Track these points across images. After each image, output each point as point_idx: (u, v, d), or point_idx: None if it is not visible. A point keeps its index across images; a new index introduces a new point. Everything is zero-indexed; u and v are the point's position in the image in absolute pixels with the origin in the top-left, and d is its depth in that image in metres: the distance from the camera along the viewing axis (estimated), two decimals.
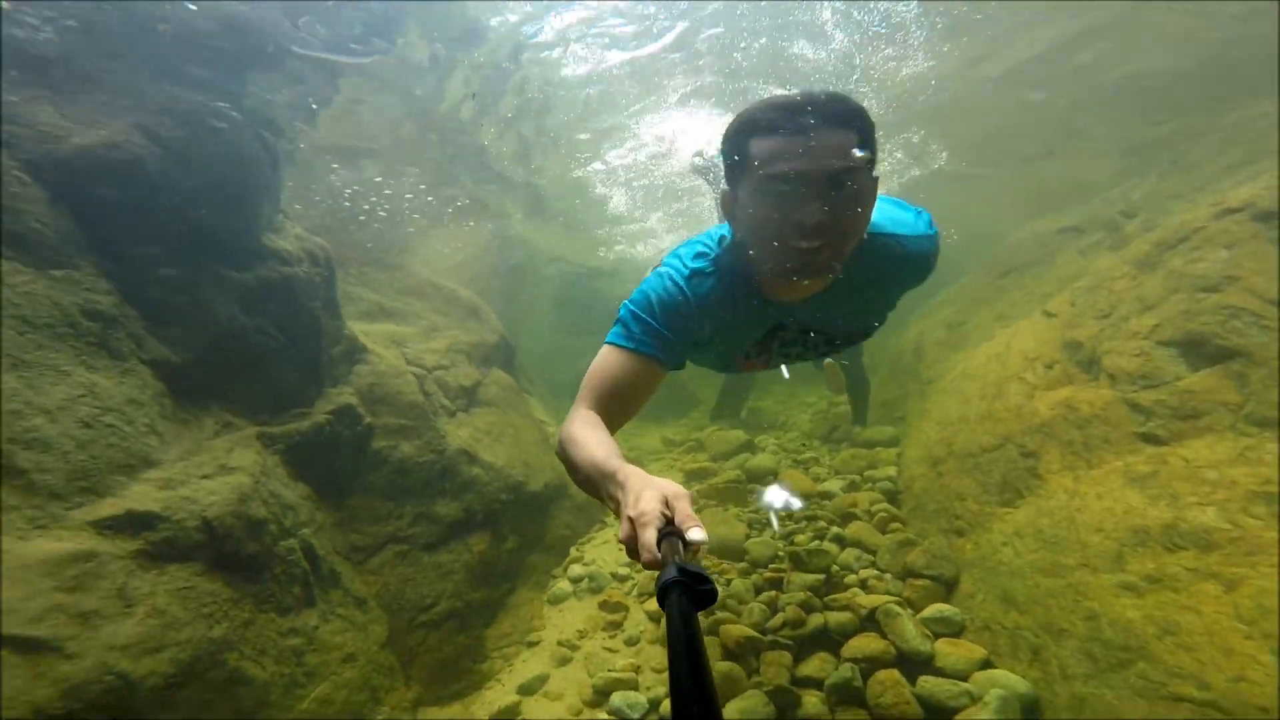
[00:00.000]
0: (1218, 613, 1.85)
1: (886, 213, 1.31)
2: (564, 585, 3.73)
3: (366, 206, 6.47)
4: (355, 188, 6.25)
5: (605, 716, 2.61)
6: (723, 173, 1.19)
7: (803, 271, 1.10)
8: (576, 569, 3.84)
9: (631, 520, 0.73)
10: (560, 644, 3.14)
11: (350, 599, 2.84)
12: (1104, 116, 6.81)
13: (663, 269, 1.29)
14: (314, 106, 4.59)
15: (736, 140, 1.10)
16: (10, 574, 1.75)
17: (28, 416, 2.01)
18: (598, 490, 0.92)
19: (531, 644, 3.25)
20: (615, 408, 1.15)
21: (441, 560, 3.31)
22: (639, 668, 2.85)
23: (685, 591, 0.57)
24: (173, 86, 2.89)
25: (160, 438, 2.40)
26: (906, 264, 1.29)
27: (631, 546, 0.72)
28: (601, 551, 4.07)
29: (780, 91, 1.10)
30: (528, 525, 4.04)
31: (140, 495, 2.16)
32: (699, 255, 1.29)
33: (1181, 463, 2.32)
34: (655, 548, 0.67)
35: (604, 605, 3.37)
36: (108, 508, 2.06)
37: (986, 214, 9.14)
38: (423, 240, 7.69)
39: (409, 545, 3.25)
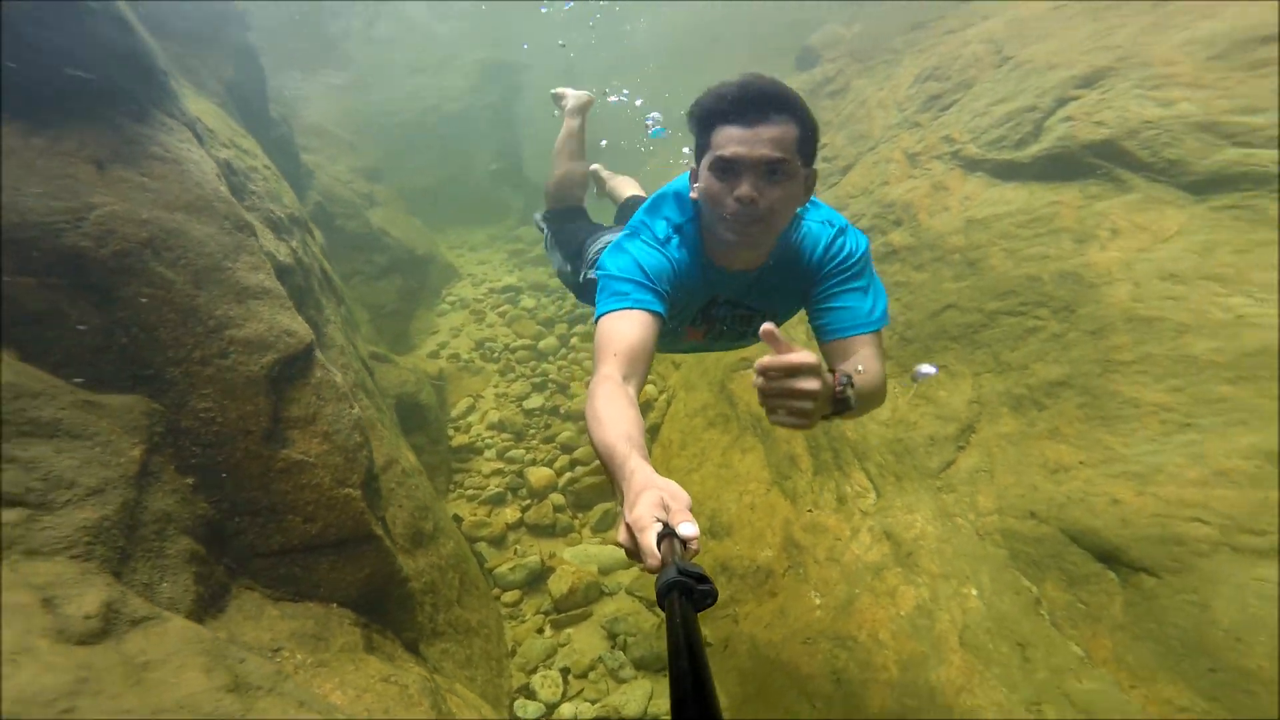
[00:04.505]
0: None
1: (815, 214, 1.45)
2: (445, 305, 6.52)
3: None
4: None
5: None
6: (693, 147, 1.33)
7: (740, 236, 1.26)
8: (450, 298, 6.62)
9: (630, 525, 0.75)
10: (452, 329, 6.03)
11: (337, 297, 5.34)
12: None
13: (642, 234, 1.40)
14: None
15: (699, 127, 1.27)
16: None
17: None
18: (610, 475, 0.95)
19: (434, 332, 6.09)
20: (629, 369, 1.19)
21: (382, 285, 5.87)
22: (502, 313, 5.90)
23: (685, 592, 0.58)
24: None
25: None
26: (818, 258, 1.40)
27: (631, 549, 0.75)
28: (463, 290, 6.85)
29: (737, 80, 1.22)
30: (419, 273, 6.63)
31: None
32: (669, 221, 1.41)
33: None
34: (656, 550, 0.69)
35: (471, 312, 6.27)
36: None
37: None
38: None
39: (365, 275, 5.74)
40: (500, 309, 6.20)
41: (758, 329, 1.49)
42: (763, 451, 3.50)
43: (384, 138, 8.89)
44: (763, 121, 1.19)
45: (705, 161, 1.27)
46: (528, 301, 6.26)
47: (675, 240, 1.39)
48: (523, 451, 4.33)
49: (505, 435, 4.50)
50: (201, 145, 3.00)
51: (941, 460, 2.59)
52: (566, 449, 4.30)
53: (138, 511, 1.92)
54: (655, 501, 0.75)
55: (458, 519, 3.68)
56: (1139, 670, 1.84)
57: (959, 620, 2.20)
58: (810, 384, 0.93)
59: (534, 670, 2.86)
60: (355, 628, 2.30)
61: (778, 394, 0.94)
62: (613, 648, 2.95)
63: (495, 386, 5.09)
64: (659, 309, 1.29)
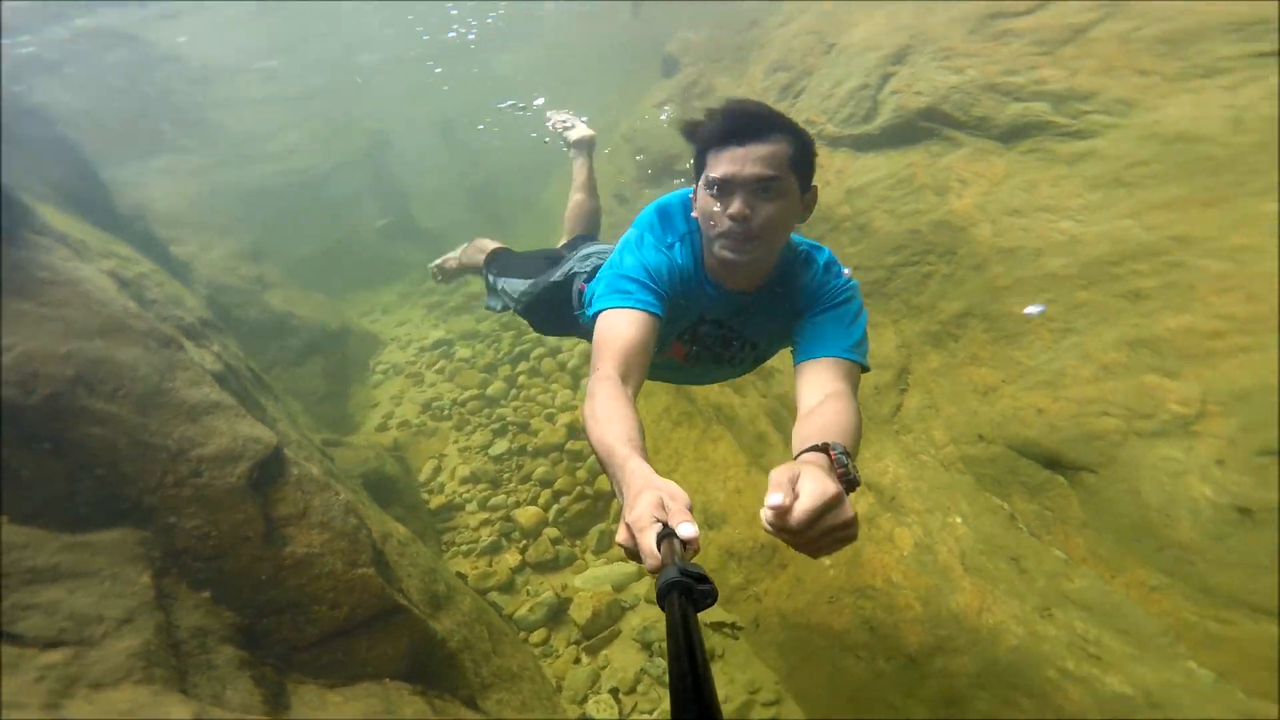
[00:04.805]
0: None
1: (805, 243, 1.49)
2: (378, 376, 6.43)
3: None
4: None
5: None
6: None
7: (736, 254, 1.28)
8: (381, 367, 6.53)
9: (629, 526, 0.76)
10: (392, 398, 5.97)
11: (271, 394, 5.18)
12: None
13: (650, 237, 1.43)
14: None
15: (696, 151, 1.30)
16: None
17: None
18: (609, 475, 0.95)
19: (375, 405, 6.00)
20: (628, 368, 1.20)
21: (305, 370, 5.72)
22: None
23: (685, 592, 0.58)
24: None
25: None
26: (814, 283, 1.42)
27: (631, 550, 0.76)
28: (391, 356, 6.77)
29: (734, 100, 1.27)
30: (339, 349, 6.49)
31: None
32: (676, 228, 1.45)
33: None
34: (656, 551, 0.69)
35: (407, 377, 6.23)
36: None
37: None
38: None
39: (284, 363, 5.58)
40: (436, 366, 6.19)
41: (733, 356, 1.58)
42: (731, 437, 3.81)
43: (253, 213, 8.54)
44: (753, 140, 1.22)
45: (701, 182, 1.31)
46: (463, 351, 6.29)
47: (679, 247, 1.43)
48: (504, 496, 4.42)
49: (481, 486, 4.57)
50: (82, 259, 2.93)
51: (891, 405, 2.98)
52: (545, 483, 4.43)
53: (173, 631, 1.96)
54: (654, 502, 0.76)
55: (462, 576, 3.74)
56: (1111, 560, 2.19)
57: (955, 548, 2.54)
58: (845, 514, 0.79)
59: (584, 700, 3.02)
60: (416, 696, 2.40)
61: (817, 540, 0.78)
62: (650, 656, 3.15)
63: (455, 442, 5.12)
64: (659, 311, 1.31)
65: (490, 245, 2.70)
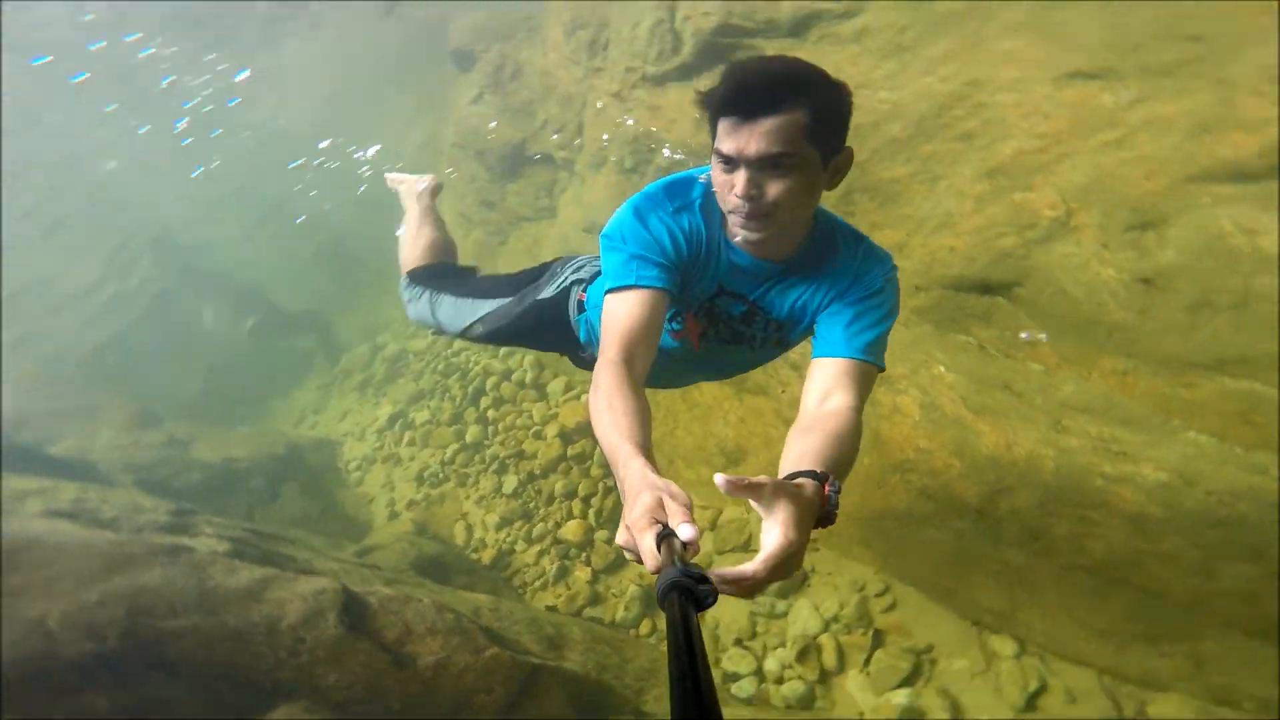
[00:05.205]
0: None
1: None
2: (354, 475, 6.36)
3: None
4: None
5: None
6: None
7: (748, 230, 1.21)
8: (353, 467, 6.45)
9: (629, 527, 0.76)
10: (384, 487, 5.97)
11: (284, 539, 5.11)
12: None
13: (650, 205, 1.33)
14: None
15: (710, 113, 1.17)
16: None
17: None
18: (613, 472, 0.95)
19: (371, 500, 5.98)
20: (634, 350, 1.18)
21: (284, 502, 5.63)
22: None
23: (685, 593, 0.59)
24: None
25: None
26: (855, 263, 1.33)
27: (631, 551, 0.76)
28: (355, 451, 6.66)
29: (746, 63, 1.14)
30: (302, 470, 6.33)
31: None
32: (683, 196, 1.35)
33: None
34: (656, 552, 0.69)
35: (383, 462, 6.20)
36: None
37: None
38: None
39: (260, 503, 5.47)
40: (405, 440, 6.16)
41: (753, 336, 1.44)
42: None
43: (99, 373, 7.92)
44: (763, 112, 1.10)
45: (713, 152, 1.20)
46: (421, 416, 6.27)
47: (691, 211, 1.34)
48: (542, 524, 4.68)
49: (517, 524, 4.80)
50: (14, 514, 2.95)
51: None
52: (569, 495, 4.72)
53: None
54: (654, 503, 0.76)
55: (553, 609, 4.06)
56: (1079, 358, 2.60)
57: (954, 395, 2.91)
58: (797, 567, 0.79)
59: (718, 661, 3.37)
60: None
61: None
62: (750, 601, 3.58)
63: (468, 498, 5.27)
64: (666, 285, 1.26)
65: (426, 254, 2.32)
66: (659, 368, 1.35)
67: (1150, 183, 2.34)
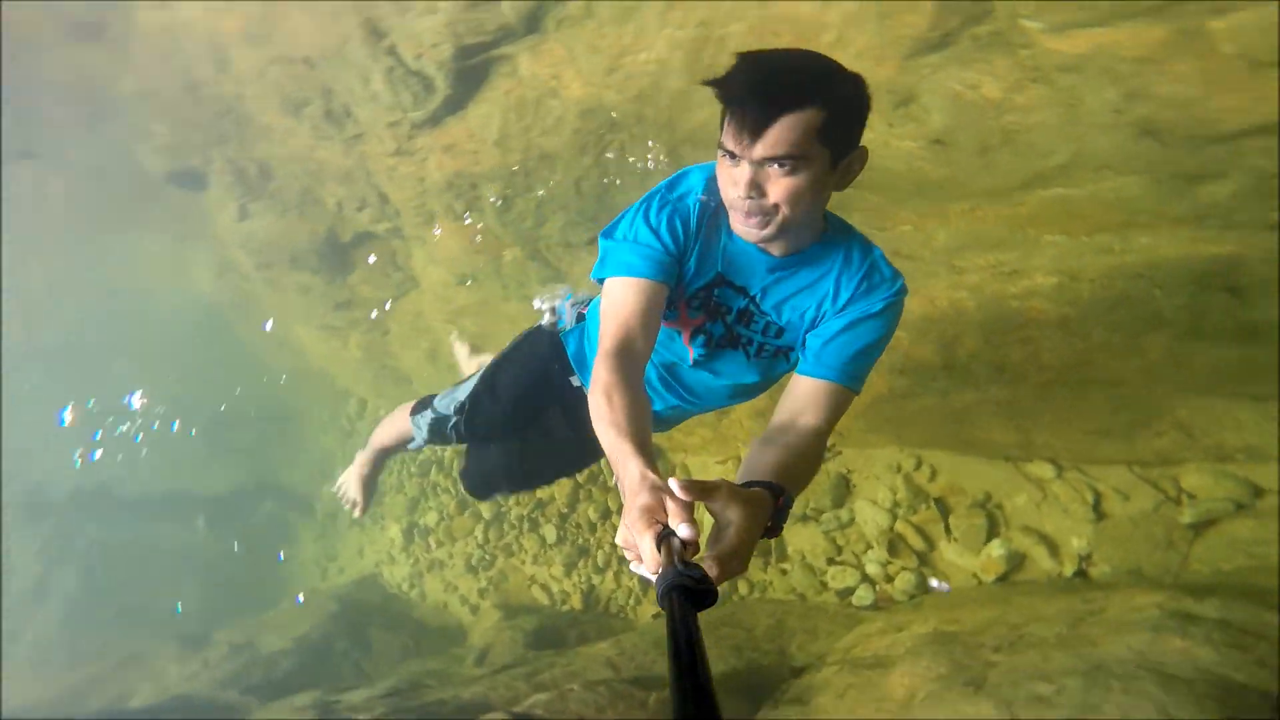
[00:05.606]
0: None
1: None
2: (400, 592, 6.53)
3: None
4: None
5: None
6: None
7: (748, 227, 1.19)
8: (392, 585, 6.58)
9: (629, 527, 0.77)
10: (445, 591, 6.17)
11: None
12: None
13: (657, 197, 1.32)
14: None
15: (720, 100, 1.12)
16: None
17: None
18: (612, 467, 0.96)
19: (442, 606, 6.21)
20: (631, 341, 1.18)
21: (387, 647, 5.84)
22: None
23: (685, 593, 0.60)
24: None
25: None
26: (859, 278, 1.29)
27: (630, 550, 0.77)
28: (395, 574, 6.76)
29: (759, 54, 1.07)
30: (359, 608, 6.45)
31: None
32: (686, 184, 1.34)
33: None
34: (656, 553, 0.70)
35: (429, 569, 6.34)
36: None
37: None
38: None
39: (389, 659, 5.69)
40: (432, 545, 6.27)
41: (751, 340, 1.41)
42: None
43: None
44: (774, 111, 1.04)
45: (719, 141, 1.15)
46: (429, 518, 6.33)
47: (693, 195, 1.32)
48: (600, 551, 5.02)
49: (580, 563, 5.12)
50: None
51: None
52: (604, 515, 5.03)
53: None
54: (653, 502, 0.77)
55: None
56: (934, 212, 2.82)
57: None
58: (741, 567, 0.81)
59: (822, 586, 3.58)
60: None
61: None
62: (817, 523, 3.74)
63: (524, 564, 5.53)
64: (665, 278, 1.27)
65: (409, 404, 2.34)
66: (651, 387, 1.39)
67: (883, 68, 2.48)
